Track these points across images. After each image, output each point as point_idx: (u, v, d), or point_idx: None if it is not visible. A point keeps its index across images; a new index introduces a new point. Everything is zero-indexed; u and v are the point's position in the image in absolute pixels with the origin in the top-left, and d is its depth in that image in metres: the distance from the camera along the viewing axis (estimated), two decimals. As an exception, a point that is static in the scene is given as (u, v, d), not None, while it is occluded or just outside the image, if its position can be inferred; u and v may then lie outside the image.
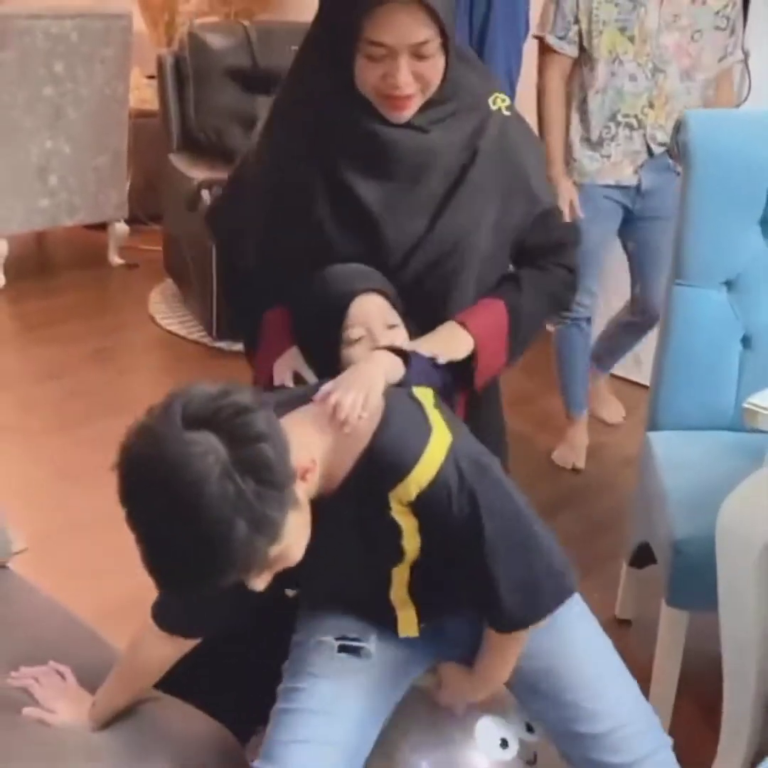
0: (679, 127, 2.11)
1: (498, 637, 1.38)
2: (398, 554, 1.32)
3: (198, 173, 3.90)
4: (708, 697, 1.95)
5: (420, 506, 1.26)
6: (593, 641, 1.47)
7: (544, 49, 2.82)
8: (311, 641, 1.42)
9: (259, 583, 1.19)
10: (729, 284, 2.16)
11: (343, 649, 1.40)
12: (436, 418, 1.29)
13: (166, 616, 1.39)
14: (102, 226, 4.64)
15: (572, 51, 2.77)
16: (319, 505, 1.24)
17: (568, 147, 2.85)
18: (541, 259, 1.66)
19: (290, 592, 1.48)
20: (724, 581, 1.71)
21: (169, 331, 4.02)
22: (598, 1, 2.69)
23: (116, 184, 4.54)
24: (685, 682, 2.02)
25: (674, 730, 1.98)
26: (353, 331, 1.44)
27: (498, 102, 1.59)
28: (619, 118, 2.77)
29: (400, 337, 1.46)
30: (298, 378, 1.51)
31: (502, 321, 1.59)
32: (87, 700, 1.45)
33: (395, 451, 1.25)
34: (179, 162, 4.10)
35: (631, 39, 2.70)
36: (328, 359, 1.44)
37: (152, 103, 4.84)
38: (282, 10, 4.97)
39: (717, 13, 2.72)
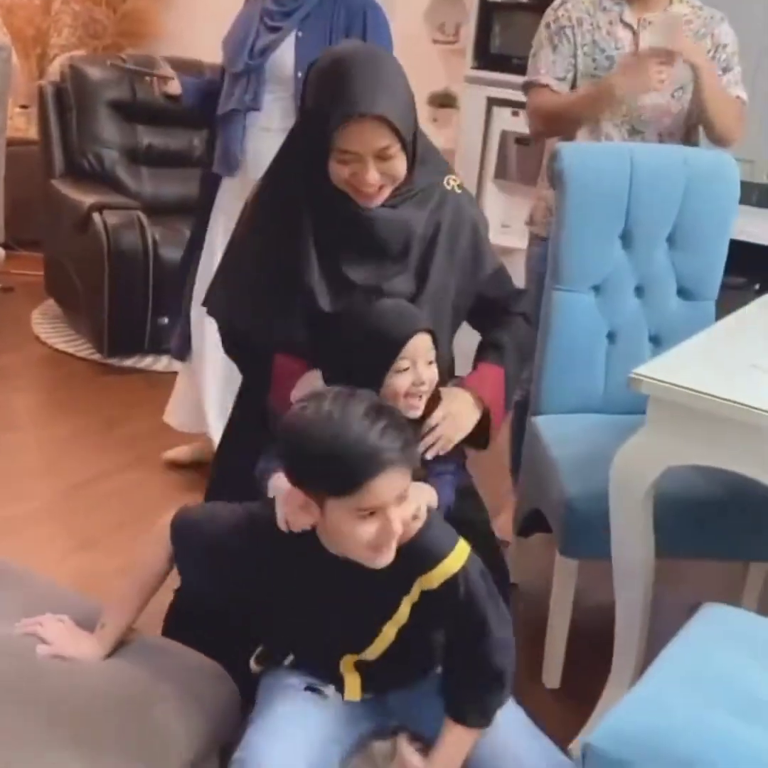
0: (554, 157, 2.38)
1: (460, 733, 1.53)
2: (390, 616, 1.53)
3: (86, 198, 3.98)
4: (597, 638, 2.21)
5: (433, 594, 1.49)
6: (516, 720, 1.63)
7: (537, 89, 2.62)
8: (279, 685, 1.60)
9: (397, 523, 1.41)
10: (596, 288, 2.44)
11: (308, 688, 1.60)
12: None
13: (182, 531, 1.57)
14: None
15: (565, 89, 2.61)
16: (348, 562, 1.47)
17: (538, 208, 2.75)
18: (501, 311, 1.90)
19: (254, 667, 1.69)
20: (616, 520, 1.98)
21: (57, 349, 4.07)
22: (578, 51, 2.58)
23: (-7, 210, 4.56)
24: (576, 627, 2.29)
25: (570, 666, 2.28)
26: (402, 363, 1.65)
27: (452, 182, 1.84)
28: None
29: (434, 373, 1.70)
30: None
31: (501, 386, 1.84)
32: (90, 637, 1.60)
33: (435, 545, 1.49)
34: (64, 187, 4.17)
35: None
36: (369, 382, 1.57)
37: (24, 132, 4.89)
38: (150, 45, 5.09)
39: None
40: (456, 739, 1.55)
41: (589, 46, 2.59)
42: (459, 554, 1.50)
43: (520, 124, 3.75)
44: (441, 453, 1.73)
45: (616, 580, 2.03)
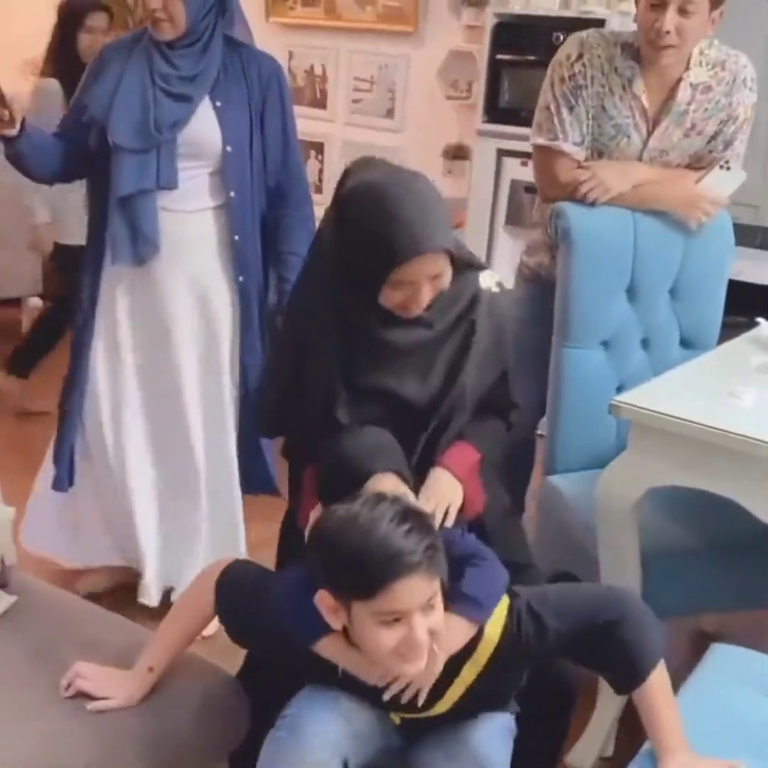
0: (557, 215, 2.38)
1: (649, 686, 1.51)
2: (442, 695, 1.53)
3: None
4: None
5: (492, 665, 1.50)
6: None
7: (554, 155, 2.43)
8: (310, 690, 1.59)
9: (421, 631, 1.38)
10: (605, 344, 2.45)
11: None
12: None
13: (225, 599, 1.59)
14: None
15: (583, 156, 2.43)
16: None
17: (533, 240, 2.65)
18: (499, 413, 1.87)
19: None
20: (603, 539, 2.05)
21: None
22: (587, 114, 2.39)
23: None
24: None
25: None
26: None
27: (487, 280, 1.80)
28: None
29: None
30: None
31: (474, 461, 1.78)
32: (128, 676, 1.62)
33: None
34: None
35: None
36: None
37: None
38: None
39: (712, 136, 2.44)
40: (652, 693, 1.51)
41: (596, 110, 2.38)
42: (495, 625, 1.49)
43: (529, 174, 3.77)
44: (448, 522, 1.70)
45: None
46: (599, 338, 2.44)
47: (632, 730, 2.23)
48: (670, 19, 2.21)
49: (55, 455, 2.54)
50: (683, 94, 2.37)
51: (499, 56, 4.02)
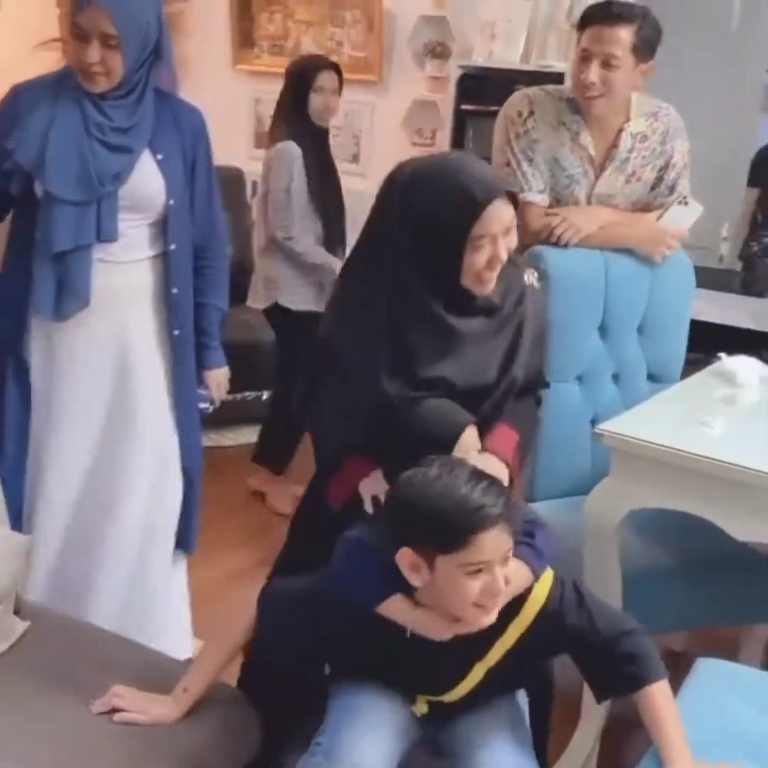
0: (535, 258, 2.50)
1: (655, 692, 1.61)
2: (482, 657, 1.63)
3: None
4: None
5: (530, 635, 1.61)
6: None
7: (521, 206, 2.54)
8: (352, 685, 1.69)
9: (501, 580, 1.50)
10: (579, 378, 2.59)
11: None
12: None
13: (267, 609, 1.66)
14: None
15: (546, 203, 2.59)
16: None
17: None
18: (531, 391, 1.98)
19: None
20: (589, 558, 2.16)
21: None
22: (549, 166, 2.56)
23: None
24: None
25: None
26: (458, 454, 1.69)
27: (530, 277, 1.92)
28: None
29: (484, 461, 1.73)
30: (376, 501, 1.78)
31: (515, 442, 1.89)
32: (164, 701, 1.70)
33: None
34: None
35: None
36: None
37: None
38: None
39: (655, 183, 2.64)
40: (656, 705, 1.60)
41: (550, 162, 2.56)
42: (542, 586, 1.61)
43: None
44: None
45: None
46: (575, 372, 2.58)
47: (612, 750, 2.37)
48: (594, 71, 2.41)
49: None
50: (624, 143, 2.55)
51: (463, 106, 4.20)
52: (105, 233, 2.17)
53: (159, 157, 2.24)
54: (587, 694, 2.28)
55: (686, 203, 2.61)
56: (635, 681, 1.63)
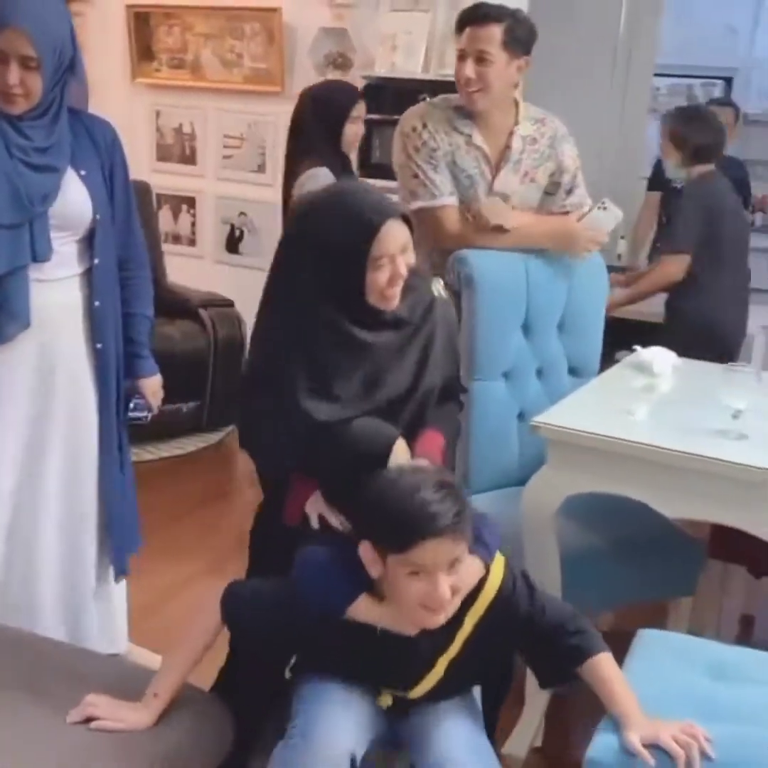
0: (459, 262, 2.63)
1: (602, 662, 1.72)
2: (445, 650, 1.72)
3: None
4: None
5: (485, 622, 1.71)
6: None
7: (439, 211, 2.70)
8: (318, 680, 1.75)
9: (444, 587, 1.59)
10: (506, 375, 2.71)
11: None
12: None
13: (234, 621, 1.74)
14: None
15: (457, 203, 2.72)
16: None
17: None
18: (447, 396, 2.05)
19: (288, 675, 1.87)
20: (528, 544, 2.28)
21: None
22: (450, 170, 2.70)
23: None
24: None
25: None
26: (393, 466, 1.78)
27: (438, 287, 2.02)
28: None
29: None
30: (322, 519, 1.86)
31: (442, 445, 1.98)
32: (137, 705, 1.74)
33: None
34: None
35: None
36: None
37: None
38: None
39: (549, 183, 2.80)
40: (603, 672, 1.71)
41: (450, 166, 2.70)
42: (495, 575, 1.73)
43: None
44: None
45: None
46: (501, 370, 2.70)
47: (556, 724, 2.50)
48: (469, 67, 2.62)
49: None
50: (516, 144, 2.73)
51: (368, 115, 4.27)
52: (40, 253, 2.18)
53: (82, 172, 2.25)
54: (531, 677, 2.40)
55: (605, 208, 2.75)
56: (579, 653, 1.73)
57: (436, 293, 2.00)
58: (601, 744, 1.68)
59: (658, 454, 2.11)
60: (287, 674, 1.89)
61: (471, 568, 1.70)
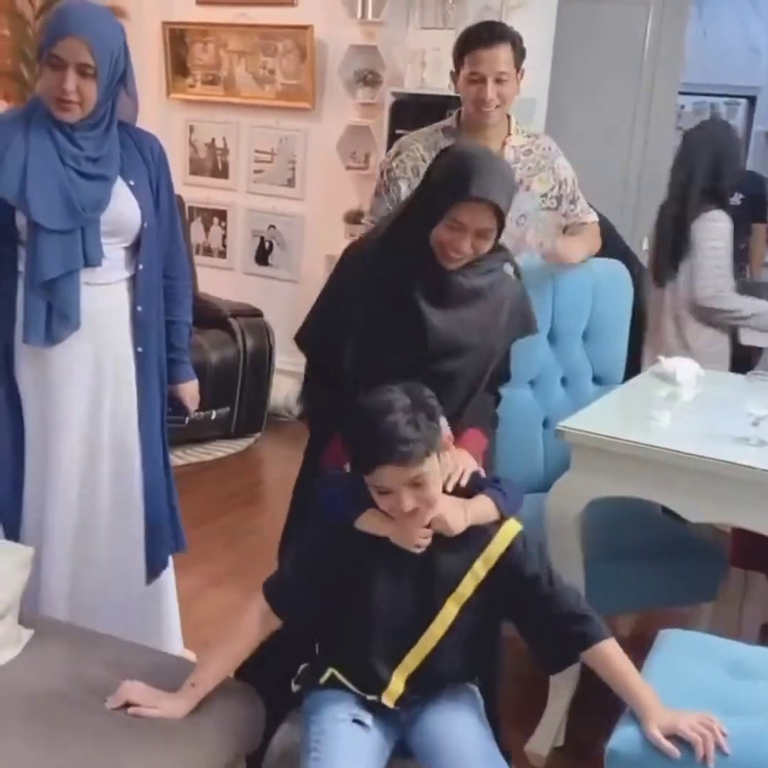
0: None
1: (608, 650, 1.77)
2: (453, 589, 1.80)
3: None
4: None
5: (495, 571, 1.79)
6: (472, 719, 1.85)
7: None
8: (330, 721, 1.80)
9: (408, 501, 1.71)
10: (531, 383, 2.77)
11: (355, 721, 1.81)
12: None
13: (276, 597, 1.82)
14: None
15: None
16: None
17: None
18: (492, 387, 2.20)
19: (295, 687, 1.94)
20: (553, 548, 2.30)
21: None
22: (395, 201, 2.68)
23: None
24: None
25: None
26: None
27: (508, 268, 2.14)
28: None
29: (457, 455, 1.94)
30: None
31: (484, 446, 2.15)
32: (173, 696, 1.80)
33: (488, 526, 1.82)
34: None
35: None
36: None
37: None
38: None
39: (544, 195, 2.77)
40: (614, 660, 1.76)
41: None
42: (509, 530, 1.81)
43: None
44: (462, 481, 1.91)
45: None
46: (527, 378, 2.76)
47: (579, 722, 2.54)
48: (491, 88, 2.64)
49: None
50: (509, 154, 2.73)
51: (397, 130, 4.36)
52: (92, 258, 2.25)
53: (131, 183, 2.32)
54: (555, 676, 2.45)
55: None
56: (584, 639, 1.77)
57: (507, 271, 2.13)
58: (622, 736, 1.72)
59: (680, 459, 2.16)
60: (294, 687, 1.94)
61: (484, 504, 1.81)
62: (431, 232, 1.96)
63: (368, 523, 1.80)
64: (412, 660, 1.82)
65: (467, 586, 1.80)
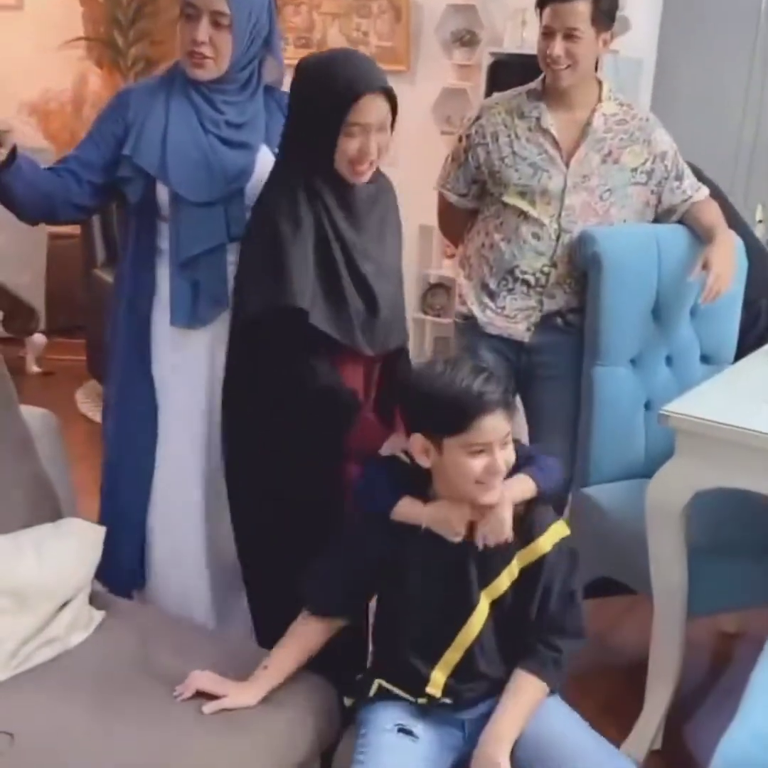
0: (585, 241, 2.52)
1: (530, 686, 1.74)
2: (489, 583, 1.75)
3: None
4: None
5: (530, 570, 1.74)
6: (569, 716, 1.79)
7: (443, 200, 2.79)
8: (376, 732, 1.74)
9: (501, 460, 1.70)
10: (633, 361, 2.59)
11: (400, 730, 1.74)
12: None
13: (323, 607, 1.79)
14: (13, 340, 4.68)
15: (473, 205, 2.72)
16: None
17: (460, 286, 2.75)
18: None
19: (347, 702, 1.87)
20: (654, 544, 2.18)
21: (101, 424, 4.15)
22: (498, 165, 2.59)
23: (35, 300, 4.69)
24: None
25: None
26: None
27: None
28: (517, 273, 2.59)
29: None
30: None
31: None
32: (243, 683, 1.74)
33: (535, 523, 1.77)
34: (108, 276, 4.29)
35: (533, 203, 2.56)
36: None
37: (63, 228, 5.04)
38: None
39: (634, 169, 2.58)
40: (526, 690, 1.74)
41: (509, 157, 2.58)
42: (554, 533, 1.76)
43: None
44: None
45: (656, 599, 2.20)
46: (628, 356, 2.58)
47: (678, 725, 2.39)
48: (559, 44, 2.49)
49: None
50: (598, 122, 2.57)
51: (495, 93, 4.17)
52: (236, 233, 2.10)
53: (277, 151, 2.15)
54: (652, 675, 2.30)
55: None
56: (526, 662, 1.76)
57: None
58: (728, 756, 1.56)
59: (798, 449, 1.98)
60: (346, 701, 1.86)
61: (523, 484, 1.76)
62: (333, 153, 1.89)
63: (405, 512, 1.75)
64: (452, 655, 1.76)
65: (503, 582, 1.75)
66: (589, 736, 1.74)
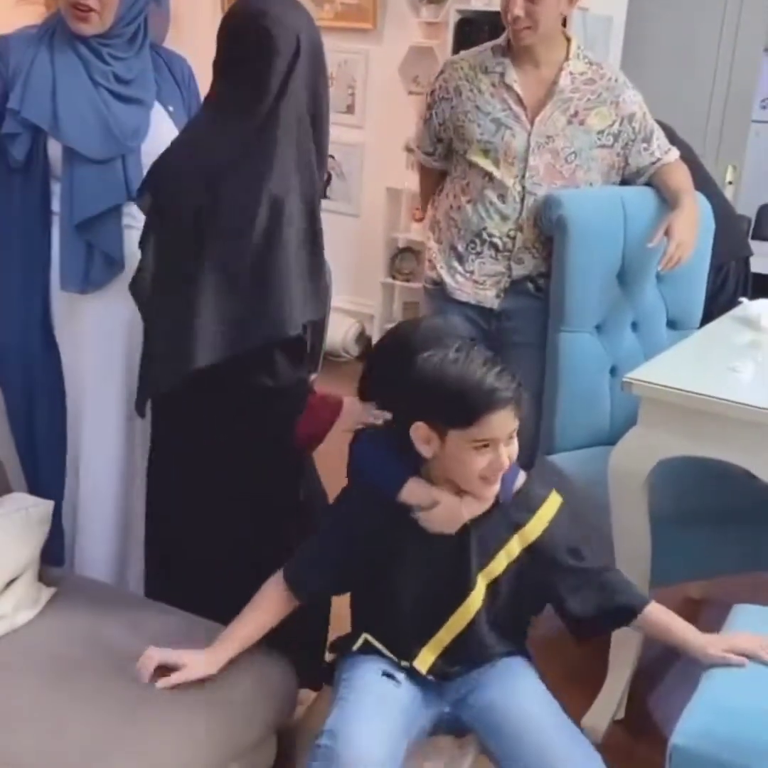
0: (551, 204, 2.47)
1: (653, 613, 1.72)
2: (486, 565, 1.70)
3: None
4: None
5: (532, 549, 1.70)
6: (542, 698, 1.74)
7: (417, 162, 2.81)
8: (357, 675, 1.70)
9: (506, 456, 1.63)
10: (598, 327, 2.55)
11: (384, 674, 1.71)
12: None
13: (297, 580, 1.72)
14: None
15: (440, 165, 2.69)
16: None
17: (429, 250, 2.70)
18: None
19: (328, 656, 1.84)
20: (617, 513, 2.16)
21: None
22: (461, 120, 2.54)
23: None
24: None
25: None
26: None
27: None
28: (485, 236, 2.55)
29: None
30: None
31: None
32: (197, 652, 1.69)
33: (530, 500, 1.73)
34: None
35: (496, 161, 2.51)
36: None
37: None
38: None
39: (600, 131, 2.52)
40: (664, 612, 1.74)
41: (472, 112, 2.53)
42: (550, 507, 1.72)
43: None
44: None
45: (619, 568, 2.14)
46: (593, 322, 2.53)
47: (640, 696, 2.38)
48: (519, 5, 2.42)
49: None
50: (565, 81, 2.51)
51: (462, 51, 4.09)
52: (134, 192, 1.97)
53: (170, 109, 2.12)
54: (616, 644, 2.28)
55: None
56: (633, 610, 1.72)
57: None
58: (688, 730, 1.55)
59: (764, 416, 1.93)
60: (327, 655, 1.85)
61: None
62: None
63: (413, 494, 1.68)
64: (445, 635, 1.72)
65: (500, 563, 1.70)
66: (557, 722, 1.68)
